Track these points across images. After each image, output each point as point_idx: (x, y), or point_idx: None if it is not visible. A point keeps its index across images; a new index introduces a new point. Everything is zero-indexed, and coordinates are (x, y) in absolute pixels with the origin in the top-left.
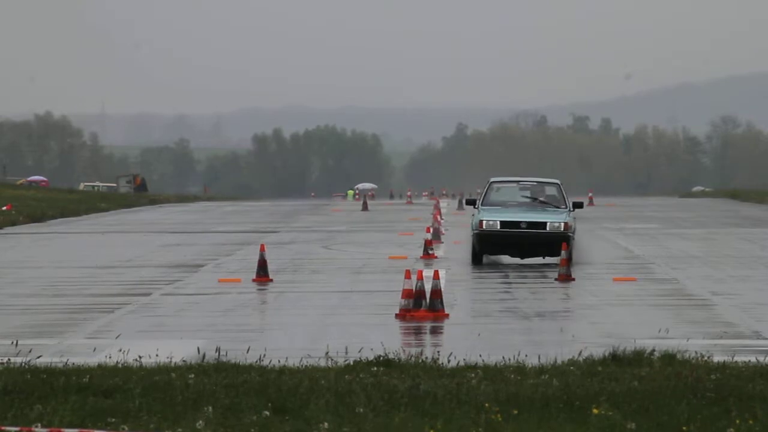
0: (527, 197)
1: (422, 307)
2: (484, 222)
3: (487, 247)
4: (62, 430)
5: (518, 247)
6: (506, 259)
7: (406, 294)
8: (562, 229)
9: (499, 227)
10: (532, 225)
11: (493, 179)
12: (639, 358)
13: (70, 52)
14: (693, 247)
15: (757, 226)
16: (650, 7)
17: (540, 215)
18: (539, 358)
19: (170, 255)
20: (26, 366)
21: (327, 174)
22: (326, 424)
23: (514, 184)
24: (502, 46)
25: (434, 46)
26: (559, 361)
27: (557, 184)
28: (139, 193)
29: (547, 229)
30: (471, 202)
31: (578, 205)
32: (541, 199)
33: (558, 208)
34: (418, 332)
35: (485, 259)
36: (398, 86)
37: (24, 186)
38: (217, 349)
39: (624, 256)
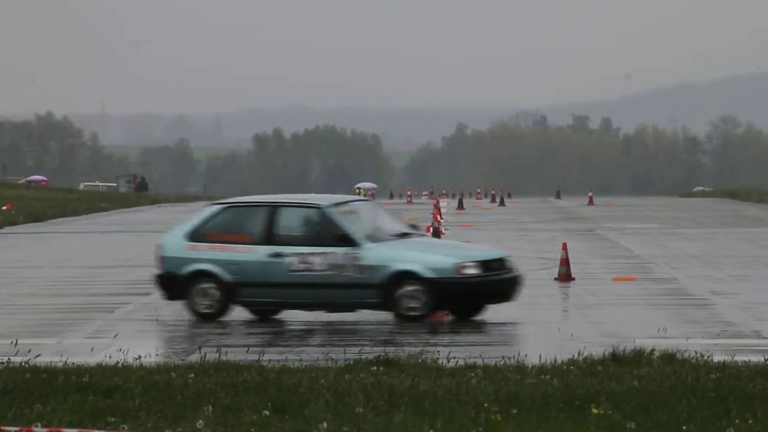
0: None
1: None
2: None
3: None
4: (62, 429)
5: None
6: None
7: None
8: None
9: None
10: None
11: None
12: (639, 357)
13: (70, 52)
14: (693, 247)
15: (757, 226)
16: (650, 7)
17: None
18: (539, 357)
19: None
20: (26, 365)
21: (327, 174)
22: (326, 423)
23: None
24: (501, 46)
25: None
26: (559, 361)
27: None
28: (139, 193)
29: None
30: None
31: None
32: None
33: None
34: (418, 331)
35: None
36: (398, 86)
37: (24, 185)
38: (218, 349)
39: (624, 256)
